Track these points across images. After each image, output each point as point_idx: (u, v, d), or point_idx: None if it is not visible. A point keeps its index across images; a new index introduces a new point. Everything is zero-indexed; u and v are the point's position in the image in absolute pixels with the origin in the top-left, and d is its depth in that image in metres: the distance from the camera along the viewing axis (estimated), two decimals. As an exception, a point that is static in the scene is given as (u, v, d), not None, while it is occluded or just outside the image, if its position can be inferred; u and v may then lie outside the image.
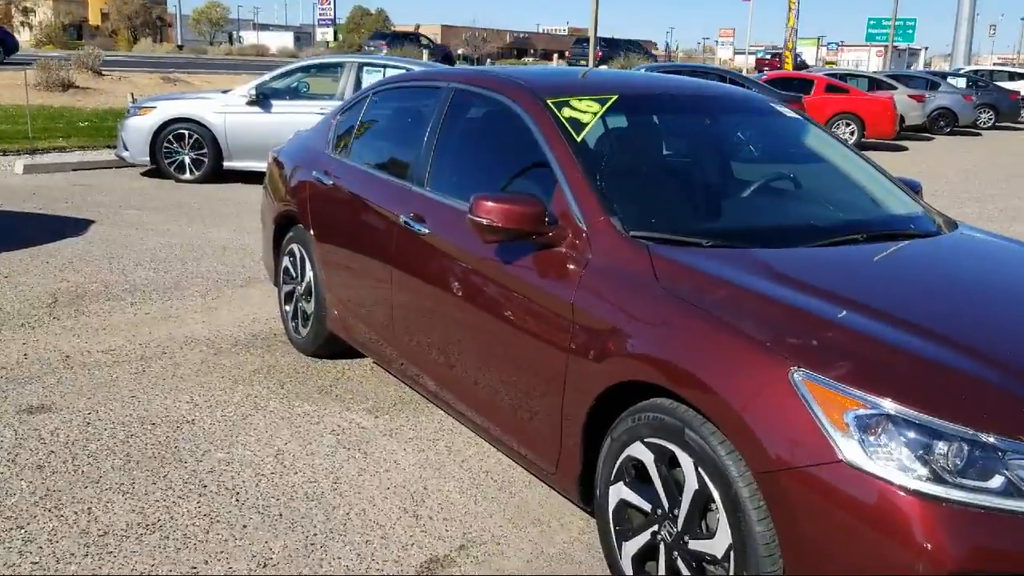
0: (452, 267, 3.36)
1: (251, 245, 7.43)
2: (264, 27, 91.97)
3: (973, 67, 34.82)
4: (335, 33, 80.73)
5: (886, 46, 70.12)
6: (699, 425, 2.31)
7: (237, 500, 3.28)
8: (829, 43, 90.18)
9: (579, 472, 2.81)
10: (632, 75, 4.10)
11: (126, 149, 10.59)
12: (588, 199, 2.92)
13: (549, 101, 3.30)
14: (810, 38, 71.53)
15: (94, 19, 69.37)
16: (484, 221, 2.91)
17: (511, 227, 2.89)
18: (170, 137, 10.41)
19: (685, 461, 2.37)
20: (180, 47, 60.00)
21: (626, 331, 2.58)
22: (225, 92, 10.74)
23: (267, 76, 10.66)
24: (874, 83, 21.66)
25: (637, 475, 2.58)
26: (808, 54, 65.22)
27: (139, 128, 10.46)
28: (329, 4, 71.70)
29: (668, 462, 2.45)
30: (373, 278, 3.96)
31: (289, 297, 4.94)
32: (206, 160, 10.45)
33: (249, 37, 79.57)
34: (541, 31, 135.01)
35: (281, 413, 4.07)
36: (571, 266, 2.83)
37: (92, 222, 8.08)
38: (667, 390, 2.42)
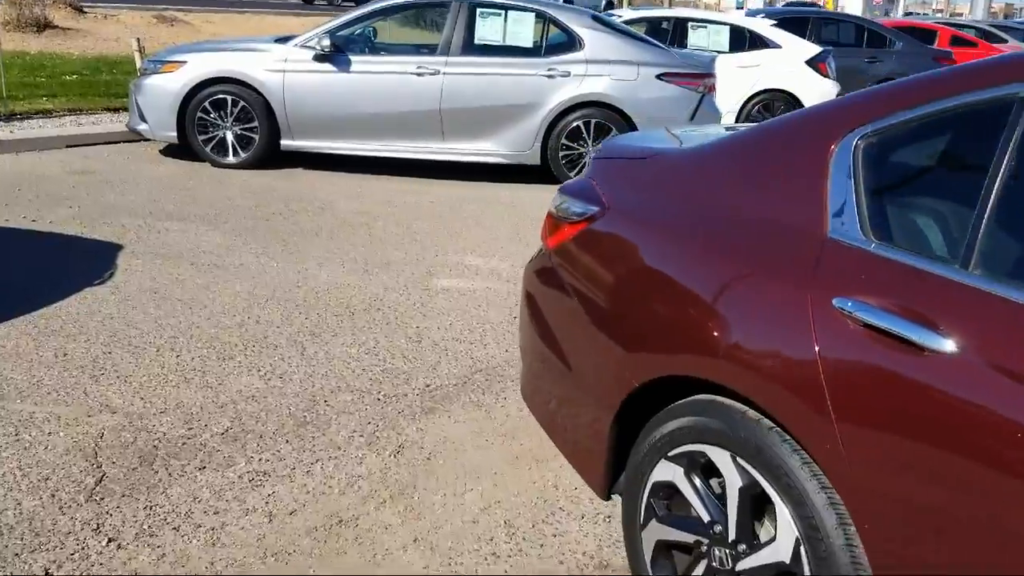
0: None
1: (387, 299, 4.58)
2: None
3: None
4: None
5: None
6: None
7: None
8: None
9: None
10: None
11: (143, 120, 7.59)
12: None
13: None
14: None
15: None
16: None
17: None
18: (206, 104, 7.43)
19: None
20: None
21: None
22: (281, 41, 7.72)
23: (341, 19, 7.64)
24: (982, 34, 18.78)
25: None
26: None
27: (163, 91, 7.45)
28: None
29: None
30: None
31: (668, 554, 2.15)
32: (256, 137, 7.49)
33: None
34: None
35: None
36: None
37: (118, 248, 5.18)
38: None
